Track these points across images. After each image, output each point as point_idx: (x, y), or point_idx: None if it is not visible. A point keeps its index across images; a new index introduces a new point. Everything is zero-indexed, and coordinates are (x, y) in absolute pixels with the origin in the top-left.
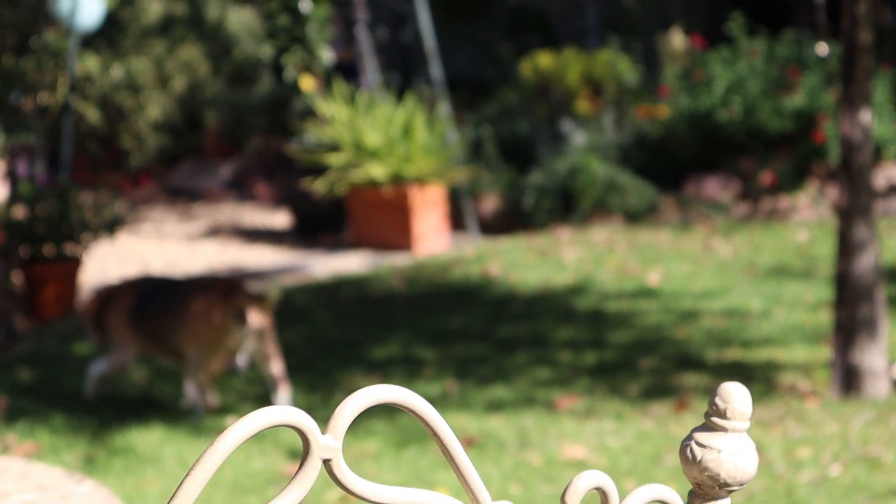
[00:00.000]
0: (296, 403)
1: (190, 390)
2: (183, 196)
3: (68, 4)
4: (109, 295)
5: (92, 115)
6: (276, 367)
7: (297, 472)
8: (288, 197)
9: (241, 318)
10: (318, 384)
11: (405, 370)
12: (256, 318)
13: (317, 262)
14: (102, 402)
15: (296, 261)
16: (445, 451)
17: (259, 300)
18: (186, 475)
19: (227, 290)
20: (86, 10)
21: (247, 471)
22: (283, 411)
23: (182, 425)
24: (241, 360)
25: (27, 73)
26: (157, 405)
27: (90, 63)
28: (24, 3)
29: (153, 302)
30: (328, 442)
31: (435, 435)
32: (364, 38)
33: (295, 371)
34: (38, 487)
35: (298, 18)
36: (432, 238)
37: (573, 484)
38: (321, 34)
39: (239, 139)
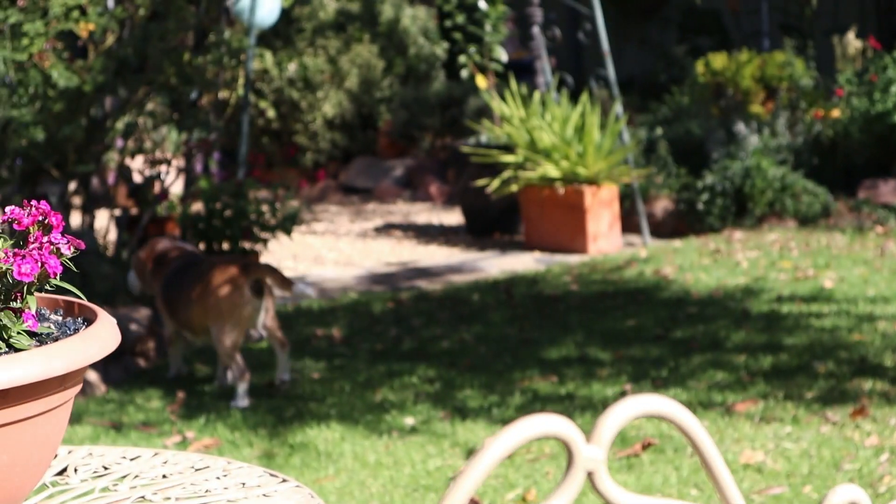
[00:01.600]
0: (471, 404)
1: (229, 369)
2: (355, 194)
3: (247, 2)
4: (159, 259)
5: (270, 111)
6: (279, 333)
7: (561, 483)
8: (460, 196)
9: (257, 291)
10: (495, 384)
11: (581, 371)
12: (276, 290)
13: (489, 260)
14: (284, 398)
15: (468, 259)
16: (706, 464)
17: (272, 274)
18: (448, 491)
19: (244, 265)
20: (264, 7)
21: (425, 469)
22: (549, 421)
23: (361, 421)
24: (259, 331)
25: (205, 71)
26: (335, 402)
27: (266, 60)
28: (205, 1)
29: (175, 281)
30: (592, 454)
31: (697, 448)
32: (539, 39)
33: (471, 370)
34: (240, 486)
35: (474, 17)
36: (605, 238)
37: (828, 498)
38: (497, 33)
39: (411, 138)
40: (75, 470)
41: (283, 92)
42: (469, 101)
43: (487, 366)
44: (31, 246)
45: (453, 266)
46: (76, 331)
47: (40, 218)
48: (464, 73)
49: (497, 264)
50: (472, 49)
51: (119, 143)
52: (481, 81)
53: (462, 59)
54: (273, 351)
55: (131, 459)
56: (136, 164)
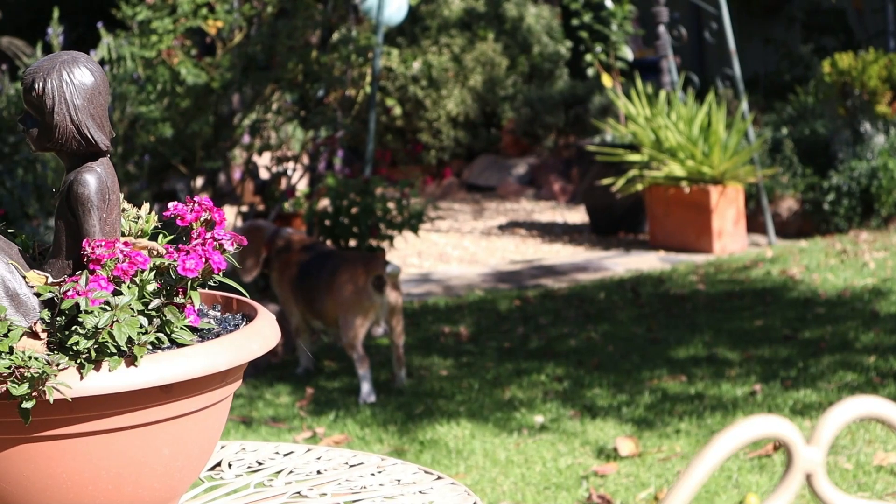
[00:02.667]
0: (600, 403)
1: (352, 354)
2: (478, 192)
3: (377, 0)
4: (281, 251)
5: (397, 109)
6: (401, 340)
7: (779, 485)
8: (584, 194)
9: (379, 287)
10: (623, 383)
11: (710, 371)
12: (392, 292)
13: (614, 259)
14: (412, 395)
15: (593, 258)
16: None
17: (392, 274)
18: (670, 491)
19: (368, 261)
20: (392, 5)
21: (556, 467)
22: (770, 422)
23: (490, 419)
24: (381, 328)
25: (333, 68)
26: (464, 400)
27: (393, 57)
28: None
29: (310, 273)
30: (812, 455)
31: None
32: (665, 38)
33: (599, 369)
34: (396, 482)
35: (600, 16)
36: (730, 238)
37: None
38: (622, 32)
39: (535, 136)
40: (229, 465)
41: (407, 90)
42: (593, 100)
43: (616, 365)
44: (194, 242)
45: (578, 264)
46: (236, 327)
47: (203, 214)
48: (590, 72)
49: (622, 263)
50: (599, 48)
51: (245, 139)
52: (607, 80)
53: (588, 57)
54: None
55: (285, 455)
56: (263, 160)
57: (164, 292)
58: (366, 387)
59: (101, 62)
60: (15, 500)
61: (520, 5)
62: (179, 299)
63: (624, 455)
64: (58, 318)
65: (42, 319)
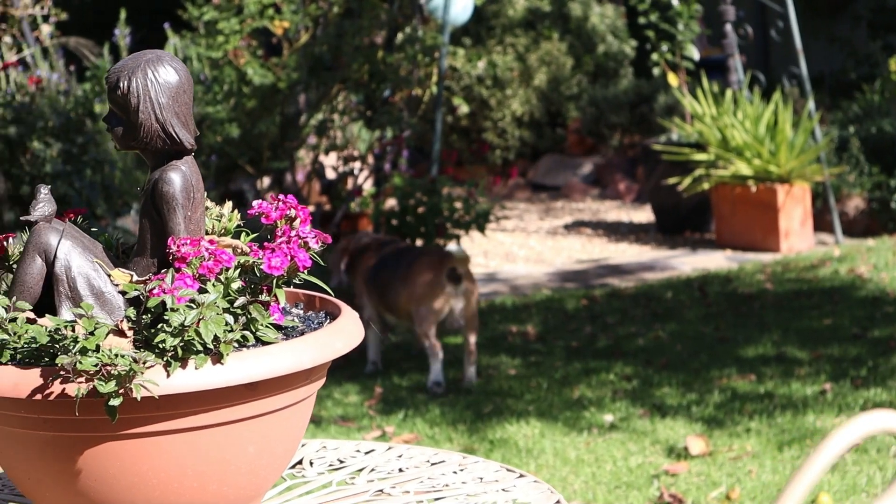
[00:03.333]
0: (670, 402)
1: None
2: (543, 191)
3: (443, 0)
4: (360, 251)
5: (464, 107)
6: (472, 336)
7: (893, 482)
8: (650, 194)
9: (454, 279)
10: (692, 382)
11: (779, 370)
12: (466, 281)
13: (681, 258)
14: (480, 394)
15: (660, 257)
16: None
17: (462, 262)
18: (788, 483)
19: (444, 255)
20: (458, 5)
21: (627, 466)
22: (887, 417)
23: (560, 418)
24: (457, 320)
25: (398, 68)
26: (533, 399)
27: (459, 57)
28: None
29: (386, 266)
30: None
31: None
32: (732, 36)
33: (668, 368)
34: (478, 480)
35: (667, 15)
36: (797, 237)
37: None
38: (689, 31)
39: (600, 135)
40: (311, 463)
41: (472, 89)
42: (658, 99)
43: (684, 364)
44: (279, 240)
45: (645, 264)
46: (320, 325)
47: (287, 212)
48: (655, 71)
49: (689, 262)
50: (665, 47)
51: (311, 139)
52: (673, 79)
53: (654, 56)
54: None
55: (366, 453)
56: (329, 160)
57: (249, 290)
58: (435, 374)
59: None
60: (101, 498)
61: (584, 5)
62: (264, 297)
63: (694, 454)
64: (143, 316)
65: (128, 317)
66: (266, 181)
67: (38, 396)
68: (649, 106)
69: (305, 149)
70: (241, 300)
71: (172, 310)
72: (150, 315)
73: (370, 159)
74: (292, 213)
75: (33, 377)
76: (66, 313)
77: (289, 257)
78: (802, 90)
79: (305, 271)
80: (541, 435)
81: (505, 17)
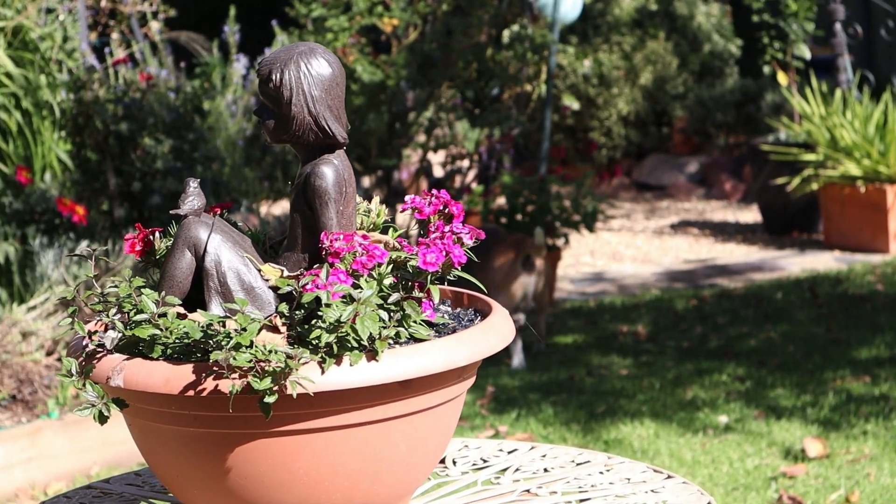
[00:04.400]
0: (784, 403)
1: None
2: (648, 191)
3: None
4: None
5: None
6: (542, 317)
7: None
8: (757, 194)
9: (528, 266)
10: (806, 384)
11: (893, 372)
12: (539, 263)
13: (789, 259)
14: (593, 394)
15: (768, 257)
16: None
17: (538, 248)
18: None
19: (519, 241)
20: (567, 3)
21: (744, 468)
22: None
23: (674, 419)
24: (529, 302)
25: (507, 66)
26: (646, 399)
27: (569, 55)
28: None
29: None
30: None
31: None
32: (841, 36)
33: (781, 370)
34: (625, 481)
35: (779, 14)
36: None
37: None
38: (801, 31)
39: (706, 134)
40: (454, 462)
41: (578, 88)
42: (765, 98)
43: (797, 365)
44: (433, 235)
45: (753, 264)
46: (470, 322)
47: (441, 207)
48: (766, 70)
49: (797, 262)
50: (776, 46)
51: (419, 137)
52: (782, 78)
53: (765, 55)
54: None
55: (508, 452)
56: (436, 158)
57: (401, 287)
58: (516, 358)
59: None
60: (252, 496)
61: (690, 4)
62: (418, 293)
63: (812, 456)
64: (296, 312)
65: (281, 313)
66: (372, 178)
67: (191, 392)
68: (756, 105)
69: (412, 146)
70: (394, 296)
71: (327, 305)
72: (303, 311)
73: (477, 157)
74: (445, 208)
75: (185, 373)
76: (216, 308)
77: (444, 253)
78: None
79: (460, 267)
80: (655, 436)
81: (611, 15)
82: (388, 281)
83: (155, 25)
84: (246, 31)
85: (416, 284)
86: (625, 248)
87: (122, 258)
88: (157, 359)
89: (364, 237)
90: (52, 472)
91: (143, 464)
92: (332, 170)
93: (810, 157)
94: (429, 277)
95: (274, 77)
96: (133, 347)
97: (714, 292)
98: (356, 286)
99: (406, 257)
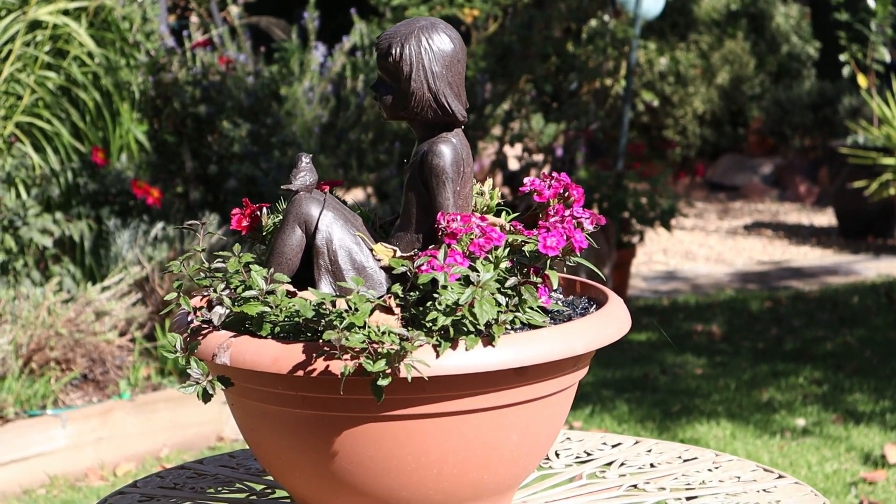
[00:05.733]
0: (861, 408)
1: None
2: (721, 191)
3: None
4: None
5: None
6: None
7: None
8: (833, 197)
9: None
10: (884, 389)
11: None
12: None
13: (864, 263)
14: (667, 392)
15: (842, 261)
16: None
17: None
18: None
19: None
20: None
21: (822, 472)
22: None
23: (751, 420)
24: None
25: (587, 60)
26: (721, 399)
27: (650, 51)
28: None
29: None
30: None
31: None
32: None
33: (858, 374)
34: (735, 479)
35: (860, 16)
36: None
37: None
38: (882, 33)
39: (781, 136)
40: (556, 454)
41: (654, 85)
42: (842, 101)
43: (874, 370)
44: (552, 219)
45: (827, 267)
46: (585, 310)
47: (561, 191)
48: (845, 72)
49: (873, 267)
50: (856, 48)
51: (495, 130)
52: (862, 81)
53: (844, 57)
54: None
55: (613, 446)
56: (511, 152)
57: (519, 271)
58: None
59: (354, 48)
60: (355, 481)
61: (770, 4)
62: (536, 278)
63: (892, 463)
64: (411, 293)
65: (395, 294)
66: None
67: (300, 373)
68: (833, 108)
69: (488, 139)
70: (511, 280)
71: (444, 287)
72: (417, 292)
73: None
74: (565, 192)
75: (295, 352)
76: (326, 287)
77: (565, 237)
78: None
79: (581, 253)
80: (732, 436)
81: (691, 14)
82: (503, 265)
83: (234, 10)
84: (325, 19)
85: (533, 269)
86: (698, 248)
87: (196, 240)
88: (265, 337)
89: (482, 219)
90: (121, 452)
91: (213, 448)
92: (450, 148)
93: (889, 161)
94: (548, 262)
95: (394, 51)
96: (240, 325)
97: (788, 294)
98: (472, 269)
99: (523, 240)
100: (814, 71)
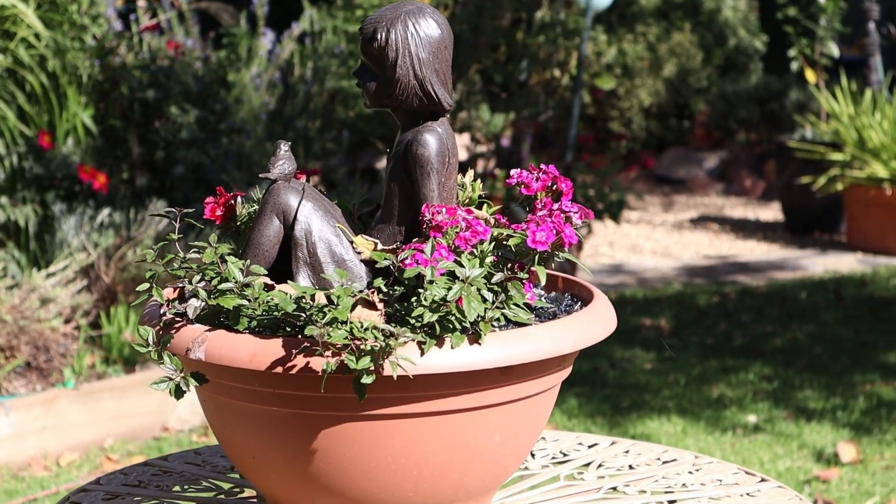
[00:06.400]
0: (812, 405)
1: None
2: (667, 184)
3: None
4: None
5: (608, 85)
6: None
7: None
8: (780, 191)
9: None
10: (835, 386)
11: None
12: None
13: (811, 259)
14: (617, 387)
15: (789, 256)
16: None
17: None
18: None
19: None
20: None
21: (775, 469)
22: None
23: (701, 416)
24: None
25: (538, 50)
26: (671, 395)
27: (599, 43)
28: None
29: None
30: None
31: None
32: (874, 35)
33: (808, 371)
34: (717, 482)
35: (808, 10)
36: None
37: None
38: (831, 28)
39: (727, 129)
40: (532, 454)
41: (601, 76)
42: (789, 96)
43: (825, 367)
44: (540, 213)
45: (774, 262)
46: (569, 307)
47: (549, 183)
48: (793, 66)
49: (820, 263)
50: (804, 42)
51: None
52: (811, 76)
53: (792, 52)
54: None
55: (589, 447)
56: (460, 141)
57: (503, 266)
58: None
59: (303, 35)
60: (332, 481)
61: None
62: (522, 274)
63: (845, 461)
64: (394, 288)
65: (377, 288)
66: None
67: (279, 369)
68: (779, 102)
69: None
70: (498, 276)
71: (431, 282)
72: (402, 287)
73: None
74: (553, 184)
75: (273, 348)
76: (304, 280)
77: (555, 232)
78: None
79: (570, 248)
80: (683, 433)
81: (637, 5)
82: (488, 259)
83: None
84: (274, 4)
85: (518, 264)
86: (644, 241)
87: (143, 227)
88: (241, 331)
89: (467, 211)
90: (65, 442)
91: (158, 438)
92: (435, 138)
93: (837, 156)
94: (536, 257)
95: (379, 36)
96: (214, 318)
97: (736, 289)
98: (458, 263)
99: (508, 234)
100: (761, 65)
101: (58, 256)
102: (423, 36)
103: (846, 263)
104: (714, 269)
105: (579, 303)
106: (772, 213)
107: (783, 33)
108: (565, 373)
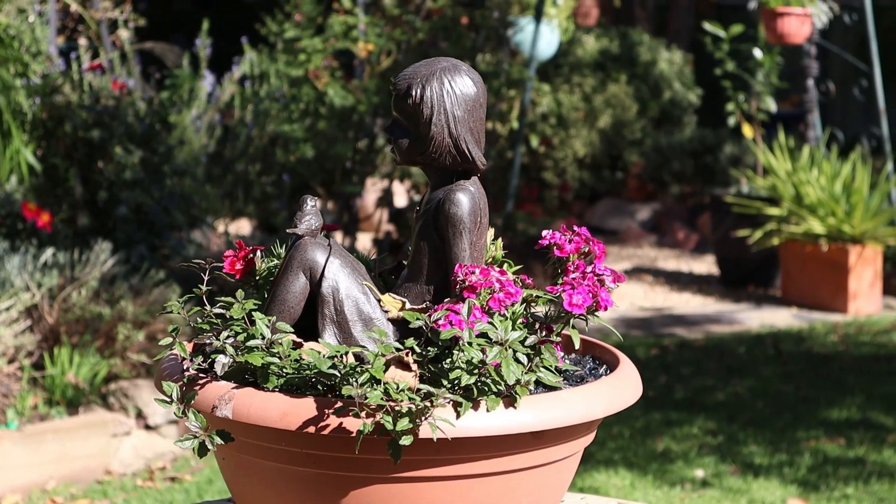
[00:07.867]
0: (759, 461)
1: None
2: (599, 234)
3: (530, 35)
4: None
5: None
6: None
7: None
8: (716, 245)
9: None
10: (779, 442)
11: (868, 435)
12: None
13: (746, 312)
14: None
15: (725, 310)
16: None
17: None
18: None
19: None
20: (543, 40)
21: None
22: None
23: (648, 470)
24: None
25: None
26: (617, 447)
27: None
28: (486, 31)
29: None
30: None
31: None
32: (813, 92)
33: (752, 425)
34: None
35: (745, 65)
36: (864, 299)
37: None
38: (768, 83)
39: (661, 182)
40: None
41: (535, 126)
42: (724, 149)
43: (768, 422)
44: (572, 275)
45: (710, 316)
46: (594, 370)
47: (582, 245)
48: (731, 121)
49: (755, 317)
50: (741, 97)
51: (384, 167)
52: (748, 131)
53: (730, 106)
54: None
55: None
56: (399, 188)
57: (536, 328)
58: None
59: (244, 78)
60: None
61: (652, 49)
62: (555, 337)
63: None
64: (429, 349)
65: (411, 349)
66: (333, 204)
67: (311, 429)
68: (713, 156)
69: (377, 175)
70: (532, 338)
71: (469, 344)
72: (435, 348)
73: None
74: (586, 247)
75: (306, 408)
76: (330, 337)
77: (591, 295)
78: (882, 151)
79: (605, 310)
80: (631, 486)
81: (574, 56)
82: (519, 321)
83: (125, 34)
84: (217, 45)
85: (546, 327)
86: None
87: (87, 269)
88: (271, 390)
89: (501, 272)
90: (7, 483)
91: (101, 482)
92: (468, 197)
93: (774, 211)
94: (570, 320)
95: (414, 93)
96: (238, 375)
97: (675, 342)
98: (490, 325)
99: (536, 296)
100: (695, 118)
101: (1, 296)
102: (458, 93)
103: (782, 318)
104: (650, 321)
105: (604, 366)
106: (705, 265)
107: (718, 87)
108: (591, 437)
